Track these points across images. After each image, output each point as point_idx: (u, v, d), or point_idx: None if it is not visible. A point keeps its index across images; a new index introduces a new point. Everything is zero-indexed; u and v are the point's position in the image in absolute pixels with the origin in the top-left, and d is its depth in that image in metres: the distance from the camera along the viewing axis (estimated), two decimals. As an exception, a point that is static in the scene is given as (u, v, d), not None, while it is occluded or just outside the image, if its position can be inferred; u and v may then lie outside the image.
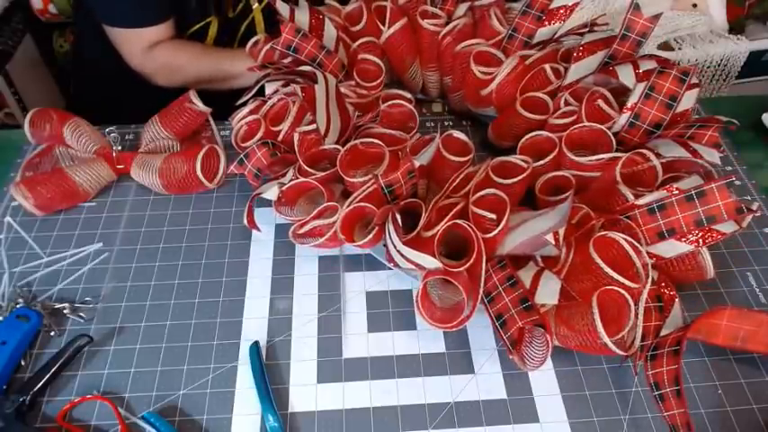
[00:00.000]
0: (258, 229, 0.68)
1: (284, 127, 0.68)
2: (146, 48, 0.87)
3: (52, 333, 0.60)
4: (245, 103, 0.73)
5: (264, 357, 0.58)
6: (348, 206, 0.60)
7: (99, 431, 0.53)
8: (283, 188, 0.64)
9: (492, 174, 0.62)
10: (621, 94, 0.67)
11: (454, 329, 0.56)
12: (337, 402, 0.56)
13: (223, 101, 0.77)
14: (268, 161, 0.66)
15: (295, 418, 0.55)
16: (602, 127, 0.65)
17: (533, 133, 0.67)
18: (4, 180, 0.75)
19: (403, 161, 0.61)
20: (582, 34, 0.73)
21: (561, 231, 0.52)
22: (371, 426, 0.54)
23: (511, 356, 0.53)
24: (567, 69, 0.71)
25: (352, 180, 0.62)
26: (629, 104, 0.65)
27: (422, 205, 0.61)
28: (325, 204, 0.61)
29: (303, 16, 0.75)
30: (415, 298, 0.59)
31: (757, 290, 0.65)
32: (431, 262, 0.55)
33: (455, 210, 0.59)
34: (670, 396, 0.50)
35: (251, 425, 0.54)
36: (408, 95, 0.74)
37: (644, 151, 0.61)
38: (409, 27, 0.78)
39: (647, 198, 0.57)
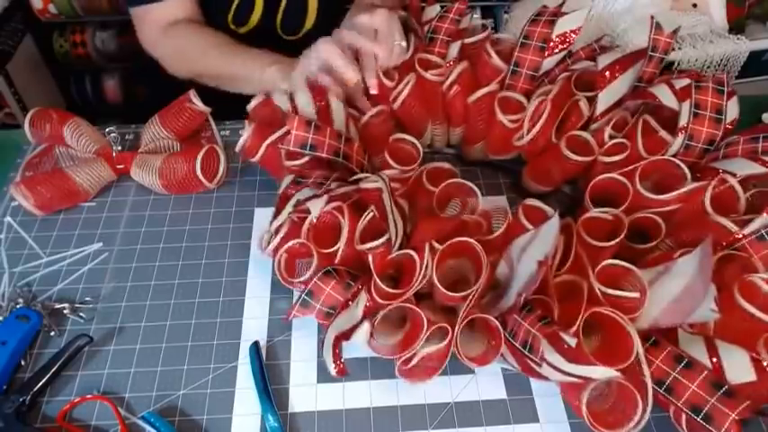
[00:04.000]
0: (348, 373, 0.54)
1: (341, 245, 0.56)
2: (162, 27, 0.82)
3: (52, 333, 0.60)
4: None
5: (264, 357, 0.58)
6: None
7: (99, 431, 0.53)
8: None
9: (583, 233, 0.55)
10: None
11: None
12: (337, 402, 0.56)
13: (223, 100, 0.77)
14: (343, 296, 0.55)
15: (295, 418, 0.55)
16: (675, 159, 0.60)
17: (603, 176, 0.61)
18: (4, 180, 0.75)
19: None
20: (593, 58, 0.69)
21: (713, 290, 0.46)
22: (371, 426, 0.54)
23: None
24: (594, 98, 0.66)
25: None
26: (680, 125, 0.62)
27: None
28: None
29: (304, 99, 0.66)
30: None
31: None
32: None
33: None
34: None
35: (251, 425, 0.54)
36: (448, 167, 0.65)
37: (724, 176, 0.57)
38: (418, 84, 0.69)
39: (754, 225, 0.54)
